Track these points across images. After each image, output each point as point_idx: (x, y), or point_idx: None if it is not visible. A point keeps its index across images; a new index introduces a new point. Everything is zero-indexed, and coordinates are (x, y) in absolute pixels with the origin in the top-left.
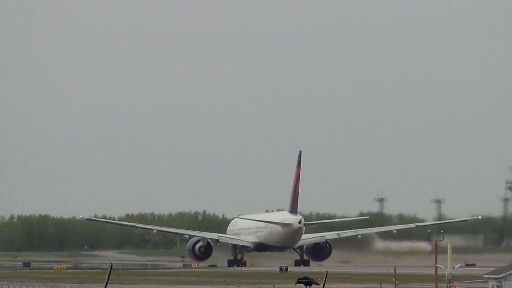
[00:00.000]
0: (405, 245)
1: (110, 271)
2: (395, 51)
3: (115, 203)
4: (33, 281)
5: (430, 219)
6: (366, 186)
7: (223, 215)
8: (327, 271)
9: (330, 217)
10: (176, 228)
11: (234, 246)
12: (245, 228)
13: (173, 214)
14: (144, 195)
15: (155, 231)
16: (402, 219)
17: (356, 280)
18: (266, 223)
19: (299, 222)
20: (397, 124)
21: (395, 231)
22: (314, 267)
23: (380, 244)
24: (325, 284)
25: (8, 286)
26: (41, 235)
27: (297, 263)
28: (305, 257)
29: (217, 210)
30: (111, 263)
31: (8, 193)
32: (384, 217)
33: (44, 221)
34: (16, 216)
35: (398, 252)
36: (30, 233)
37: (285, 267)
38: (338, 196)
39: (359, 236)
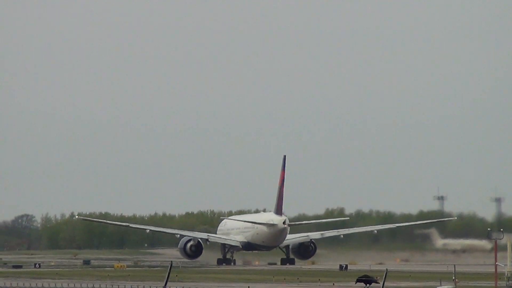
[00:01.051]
0: (464, 242)
1: (170, 269)
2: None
3: (176, 201)
4: (94, 279)
5: (489, 217)
6: (425, 184)
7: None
8: (386, 269)
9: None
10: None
11: (223, 245)
12: (234, 228)
13: (233, 212)
14: (205, 193)
15: (148, 231)
16: (461, 217)
17: (416, 278)
18: (253, 224)
19: (284, 223)
20: (459, 122)
21: (375, 231)
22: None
23: (439, 242)
24: (385, 283)
25: (68, 284)
26: (102, 233)
27: (284, 262)
28: (291, 256)
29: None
30: (171, 261)
31: (69, 191)
32: (444, 215)
33: (104, 218)
34: (76, 214)
35: (457, 250)
36: (90, 231)
37: (345, 265)
38: (398, 194)
39: (342, 236)
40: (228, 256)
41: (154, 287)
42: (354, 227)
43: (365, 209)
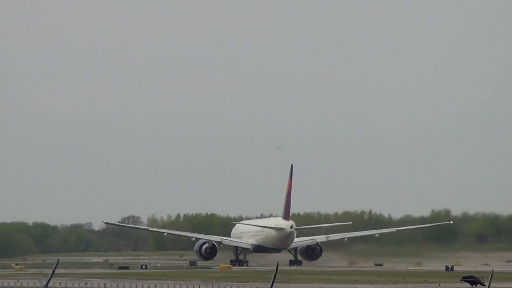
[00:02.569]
0: None
1: (276, 270)
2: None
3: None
4: (200, 280)
5: None
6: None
7: (389, 215)
8: (492, 270)
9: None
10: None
11: (236, 248)
12: (245, 232)
13: (339, 214)
14: (308, 194)
15: (165, 234)
16: None
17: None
18: (263, 228)
19: (291, 227)
20: None
21: (377, 235)
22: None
23: None
24: (491, 284)
25: (175, 285)
26: (208, 234)
27: (292, 263)
28: (299, 258)
29: (383, 210)
30: (277, 262)
31: (175, 192)
32: None
33: (210, 220)
34: (182, 215)
35: None
36: (196, 231)
37: (450, 266)
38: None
39: (346, 239)
40: (241, 257)
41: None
42: (460, 229)
43: (471, 211)
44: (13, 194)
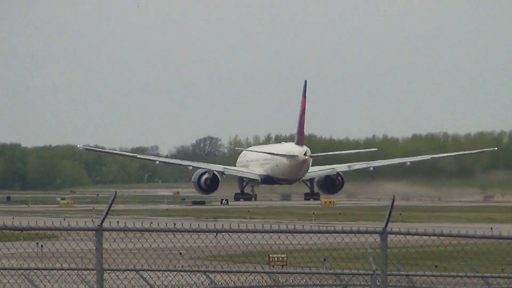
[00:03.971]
0: None
1: (392, 206)
2: None
3: (401, 122)
4: (297, 218)
5: None
6: None
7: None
8: None
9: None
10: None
11: (241, 179)
12: (253, 160)
13: (472, 135)
14: (434, 114)
15: (157, 162)
16: None
17: None
18: (273, 155)
19: (305, 154)
20: None
21: (409, 163)
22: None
23: None
24: None
25: (263, 225)
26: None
27: (307, 196)
28: (316, 190)
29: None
30: (393, 196)
31: (262, 110)
32: None
33: (308, 141)
34: (273, 136)
35: None
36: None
37: None
38: None
39: (371, 168)
40: (247, 190)
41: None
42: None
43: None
44: (62, 112)
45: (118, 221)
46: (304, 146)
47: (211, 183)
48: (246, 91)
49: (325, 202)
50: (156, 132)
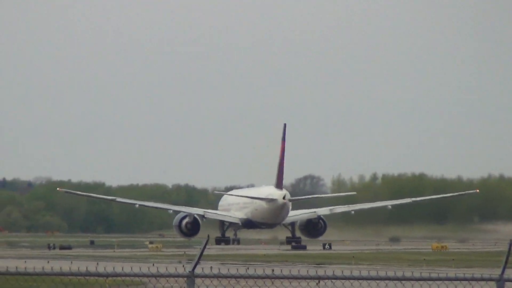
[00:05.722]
0: None
1: (509, 251)
2: None
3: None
4: (407, 264)
5: None
6: None
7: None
8: None
9: None
10: None
11: (222, 222)
12: (234, 204)
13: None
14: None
15: (137, 205)
16: None
17: None
18: (252, 199)
19: (284, 198)
20: None
21: (390, 206)
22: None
23: None
24: None
25: (369, 272)
26: (414, 203)
27: (289, 241)
28: (297, 234)
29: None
30: (510, 240)
31: (368, 147)
32: None
33: (418, 182)
34: (380, 175)
35: None
36: (398, 197)
37: None
38: None
39: (352, 212)
40: (229, 234)
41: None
42: None
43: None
44: (148, 149)
45: (211, 267)
46: (284, 189)
47: (192, 227)
48: (351, 127)
49: (436, 246)
50: (252, 170)
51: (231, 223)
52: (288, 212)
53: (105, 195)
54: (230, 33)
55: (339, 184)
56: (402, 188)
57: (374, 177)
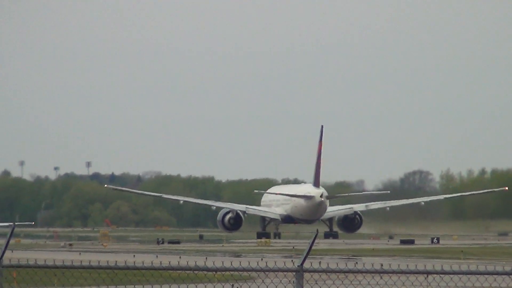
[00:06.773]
0: None
1: None
2: None
3: None
4: (505, 258)
5: None
6: None
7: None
8: None
9: None
10: None
11: (263, 218)
12: (275, 200)
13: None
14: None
15: (181, 202)
16: None
17: None
18: (291, 196)
19: (321, 196)
20: None
21: (423, 203)
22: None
23: None
24: None
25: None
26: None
27: (326, 235)
28: (334, 229)
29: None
30: None
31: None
32: None
33: None
34: (489, 169)
35: None
36: (507, 196)
37: None
38: None
39: (388, 208)
40: (269, 229)
41: None
42: None
43: None
44: (257, 144)
45: (320, 262)
46: (320, 187)
47: (235, 222)
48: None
49: None
50: (362, 165)
51: (271, 219)
52: (325, 209)
53: (214, 189)
54: (285, 39)
55: (447, 179)
56: (511, 183)
57: (482, 171)
